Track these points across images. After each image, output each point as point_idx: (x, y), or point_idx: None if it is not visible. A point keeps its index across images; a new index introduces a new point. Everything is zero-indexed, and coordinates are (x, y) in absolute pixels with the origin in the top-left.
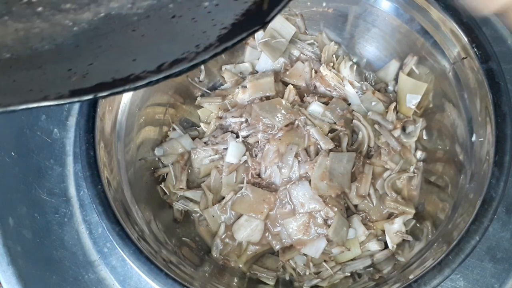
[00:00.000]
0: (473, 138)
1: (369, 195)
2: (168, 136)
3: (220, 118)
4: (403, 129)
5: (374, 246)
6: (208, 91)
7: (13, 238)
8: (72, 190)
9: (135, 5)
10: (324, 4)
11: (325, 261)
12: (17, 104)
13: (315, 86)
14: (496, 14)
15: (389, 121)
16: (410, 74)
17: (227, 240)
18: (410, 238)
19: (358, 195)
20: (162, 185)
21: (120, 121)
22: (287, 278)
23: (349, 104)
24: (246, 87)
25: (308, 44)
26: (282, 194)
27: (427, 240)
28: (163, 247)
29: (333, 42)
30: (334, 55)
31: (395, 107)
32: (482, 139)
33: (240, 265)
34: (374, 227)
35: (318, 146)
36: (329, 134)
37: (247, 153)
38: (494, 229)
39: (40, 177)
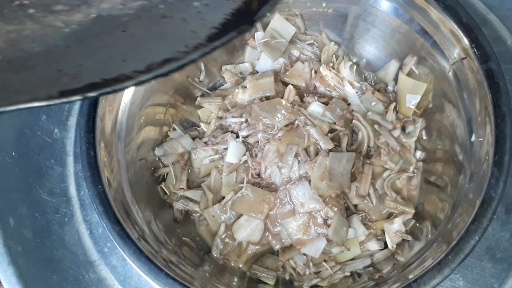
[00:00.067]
0: (473, 138)
1: (368, 195)
2: (168, 136)
3: (220, 118)
4: (403, 129)
5: (373, 246)
6: (208, 91)
7: (13, 238)
8: (72, 190)
9: (126, 5)
10: (324, 5)
11: (325, 260)
12: (5, 105)
13: (315, 86)
14: None
15: (388, 121)
16: (409, 74)
17: (227, 240)
18: (409, 238)
19: (358, 195)
20: (162, 185)
21: (120, 121)
22: (287, 277)
23: (349, 104)
24: (246, 87)
25: (308, 44)
26: (282, 194)
27: (427, 240)
28: (163, 247)
29: (333, 42)
30: (334, 55)
31: (395, 107)
32: (481, 139)
33: (240, 265)
34: (374, 227)
35: (318, 146)
36: (329, 134)
37: (247, 153)
38: (494, 229)
39: (40, 177)
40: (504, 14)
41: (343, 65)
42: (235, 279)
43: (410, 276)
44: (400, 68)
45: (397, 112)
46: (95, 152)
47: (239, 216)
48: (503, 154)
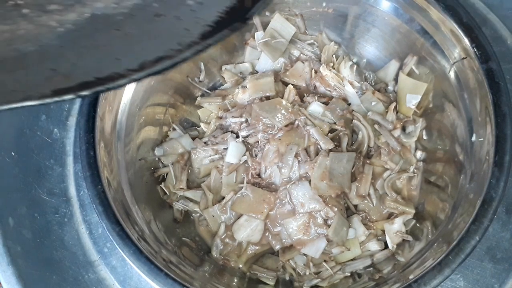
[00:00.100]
0: (473, 138)
1: (369, 195)
2: (168, 136)
3: (220, 118)
4: (403, 129)
5: (374, 246)
6: (208, 91)
7: (13, 238)
8: (72, 190)
9: (120, 4)
10: (324, 4)
11: (325, 261)
12: None
13: (315, 86)
14: None
15: (389, 121)
16: (410, 74)
17: (227, 240)
18: (410, 238)
19: (358, 195)
20: (162, 185)
21: (120, 121)
22: (287, 278)
23: (349, 104)
24: (246, 87)
25: (308, 44)
26: (282, 194)
27: (427, 240)
28: (163, 247)
29: (333, 42)
30: (334, 55)
31: (395, 107)
32: (482, 139)
33: (240, 265)
34: (374, 227)
35: (318, 146)
36: (329, 134)
37: (247, 153)
38: (494, 229)
39: (40, 177)
40: (504, 13)
41: (343, 65)
42: (235, 280)
43: (411, 277)
44: (401, 68)
45: (397, 112)
46: (95, 152)
47: (239, 216)
48: (504, 154)
